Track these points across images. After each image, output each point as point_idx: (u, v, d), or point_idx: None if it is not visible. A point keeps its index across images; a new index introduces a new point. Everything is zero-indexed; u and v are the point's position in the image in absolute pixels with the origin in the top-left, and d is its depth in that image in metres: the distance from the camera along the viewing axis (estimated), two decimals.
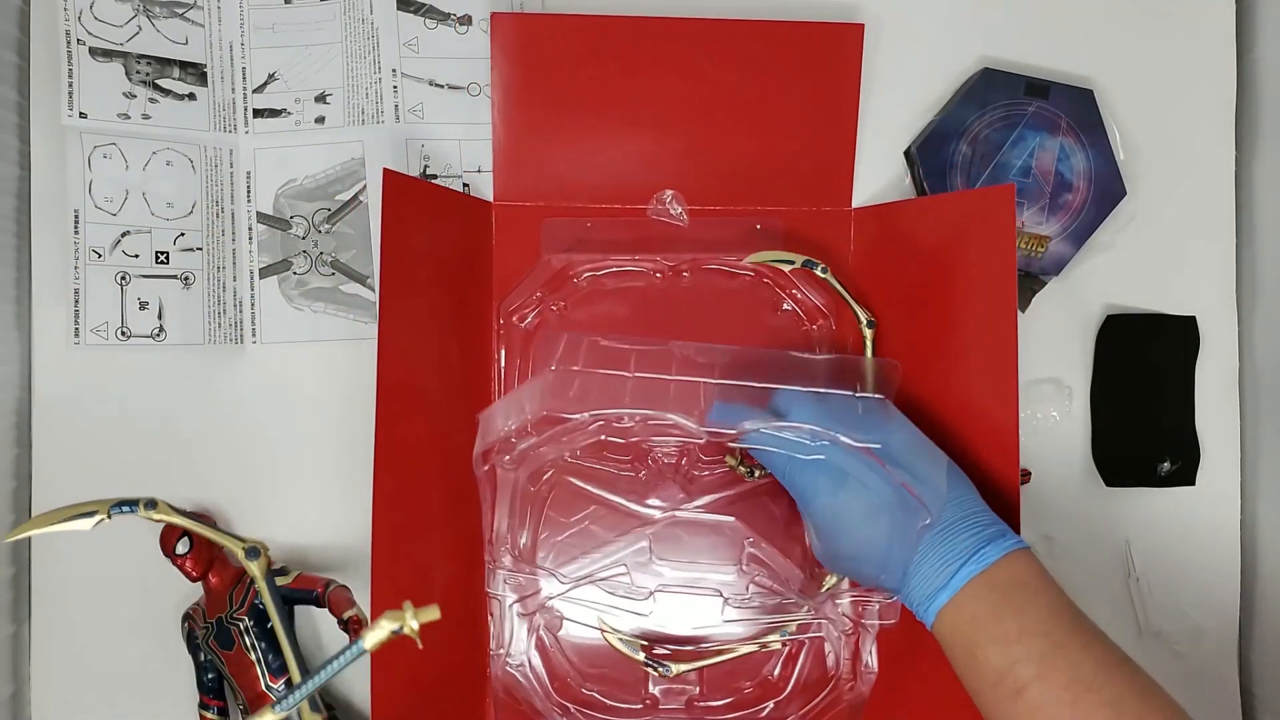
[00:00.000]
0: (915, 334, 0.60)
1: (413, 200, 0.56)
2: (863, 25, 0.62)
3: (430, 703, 0.57)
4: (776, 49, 0.61)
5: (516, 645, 0.60)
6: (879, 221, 0.63)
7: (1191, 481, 0.65)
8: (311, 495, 0.62)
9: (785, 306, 0.63)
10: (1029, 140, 0.64)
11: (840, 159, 0.63)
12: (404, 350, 0.55)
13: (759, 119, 0.62)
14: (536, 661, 0.61)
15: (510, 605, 0.60)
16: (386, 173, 0.54)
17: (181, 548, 0.58)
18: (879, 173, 0.65)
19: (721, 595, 0.61)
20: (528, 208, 0.62)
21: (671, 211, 0.61)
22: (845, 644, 0.61)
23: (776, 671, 0.62)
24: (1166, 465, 0.65)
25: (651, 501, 0.61)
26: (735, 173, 0.63)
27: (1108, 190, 0.64)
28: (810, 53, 0.62)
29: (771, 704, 0.61)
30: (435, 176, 0.63)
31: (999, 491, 0.53)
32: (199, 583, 0.59)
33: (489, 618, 0.61)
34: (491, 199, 0.63)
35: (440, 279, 0.59)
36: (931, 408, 0.58)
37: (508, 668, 0.60)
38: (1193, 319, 0.65)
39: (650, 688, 0.61)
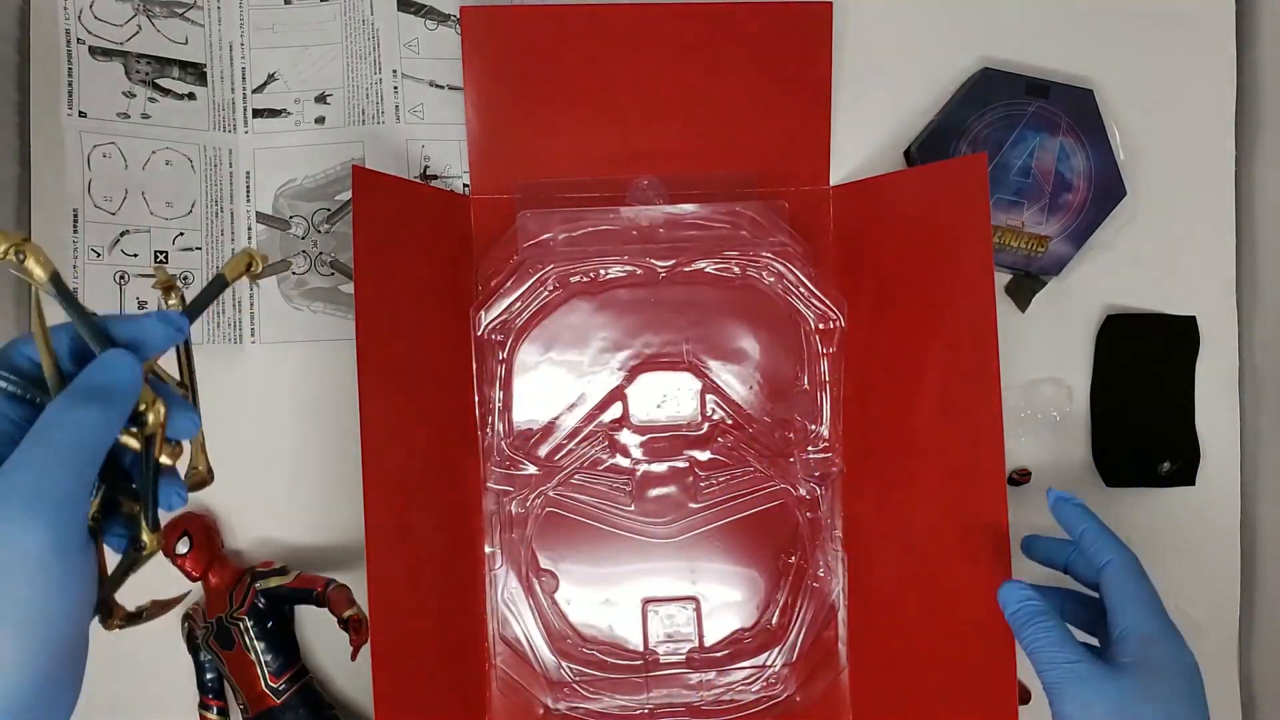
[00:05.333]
0: (895, 307, 0.60)
1: (387, 196, 0.57)
2: (831, 4, 0.62)
3: (432, 687, 0.57)
4: (748, 31, 0.62)
5: (516, 610, 0.61)
6: (856, 199, 0.63)
7: (1191, 481, 0.65)
8: (310, 495, 0.62)
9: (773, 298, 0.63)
10: (1029, 140, 0.64)
11: (816, 138, 0.64)
12: (384, 346, 0.55)
13: (734, 102, 0.62)
14: (534, 624, 0.61)
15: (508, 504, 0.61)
16: (356, 170, 0.54)
17: (181, 548, 0.58)
18: (879, 172, 0.64)
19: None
20: (505, 200, 0.62)
21: (650, 199, 0.61)
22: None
23: (775, 620, 0.62)
24: (1166, 465, 0.65)
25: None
26: (712, 157, 0.63)
27: (1108, 190, 0.64)
28: (782, 33, 0.62)
29: (770, 653, 0.61)
30: (436, 177, 0.63)
31: (984, 471, 0.53)
32: (199, 583, 0.59)
33: (485, 587, 0.61)
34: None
35: (419, 274, 0.59)
36: (911, 385, 0.58)
37: (506, 635, 0.61)
38: (1193, 319, 0.65)
39: (650, 644, 0.62)
